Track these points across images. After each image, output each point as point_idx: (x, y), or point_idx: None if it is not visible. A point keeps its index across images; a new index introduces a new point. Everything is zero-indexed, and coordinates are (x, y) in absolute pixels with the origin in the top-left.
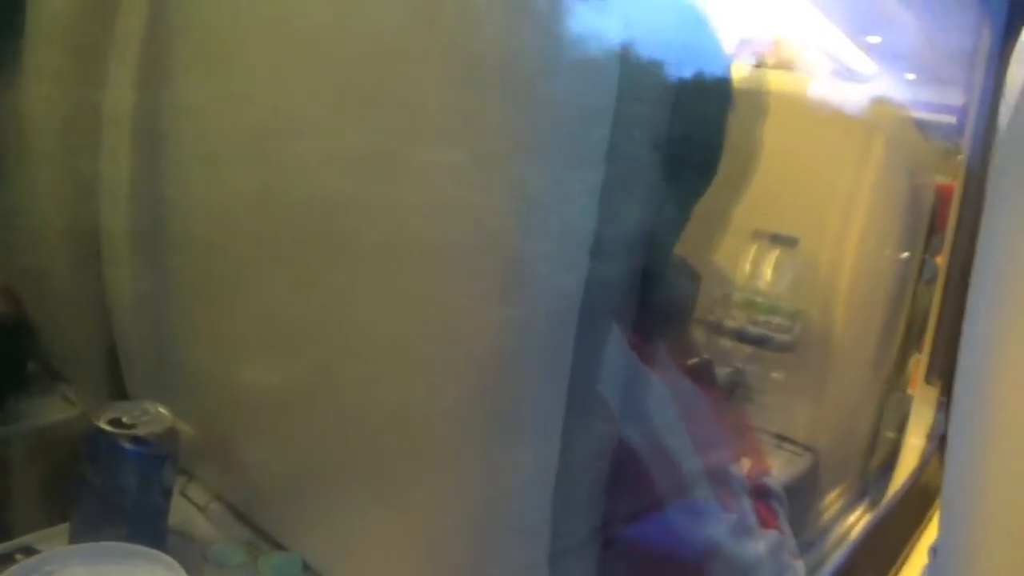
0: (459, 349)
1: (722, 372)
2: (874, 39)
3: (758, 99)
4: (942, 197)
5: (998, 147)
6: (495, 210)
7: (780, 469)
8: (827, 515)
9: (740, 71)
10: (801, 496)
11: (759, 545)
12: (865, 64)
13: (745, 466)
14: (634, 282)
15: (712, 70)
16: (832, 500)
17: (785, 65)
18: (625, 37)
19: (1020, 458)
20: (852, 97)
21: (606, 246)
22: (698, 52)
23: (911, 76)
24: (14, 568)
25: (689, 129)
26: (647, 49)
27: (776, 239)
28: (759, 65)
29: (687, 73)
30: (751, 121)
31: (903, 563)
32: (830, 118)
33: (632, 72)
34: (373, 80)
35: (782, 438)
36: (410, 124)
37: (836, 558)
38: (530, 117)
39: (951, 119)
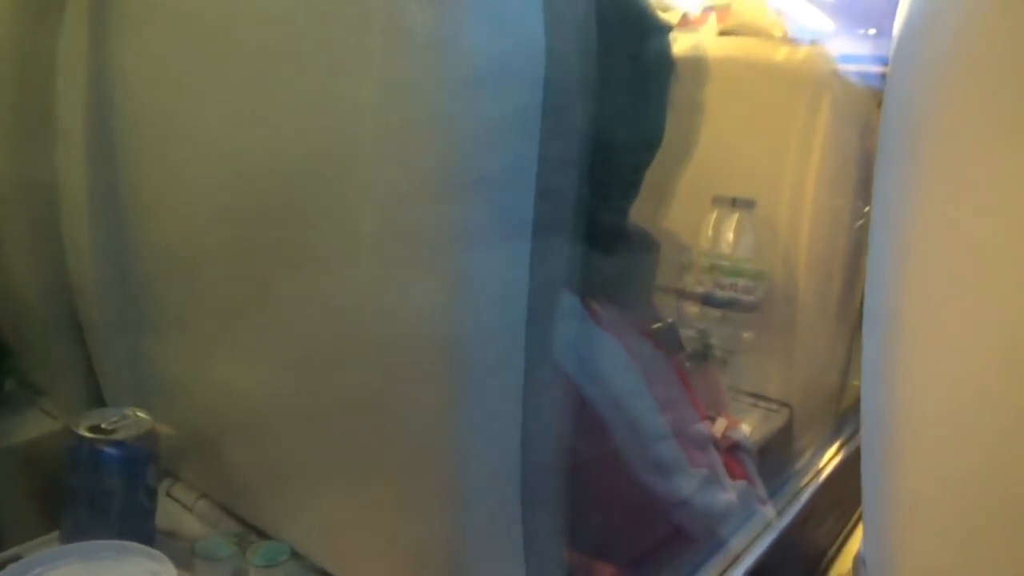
0: (411, 333)
1: (690, 334)
2: None
3: (703, 65)
4: None
5: (885, 93)
6: (432, 195)
7: (757, 426)
8: (802, 462)
9: (688, 39)
10: (780, 449)
11: (728, 495)
12: (823, 22)
13: (720, 427)
14: (586, 252)
15: (648, 40)
16: (807, 447)
17: (740, 30)
18: (549, 11)
19: (928, 392)
20: (801, 58)
21: (550, 219)
22: (632, 22)
23: (872, 31)
24: (4, 571)
25: (628, 99)
26: (574, 23)
27: (735, 203)
28: (722, 32)
29: (621, 44)
30: (697, 87)
31: None
32: (778, 81)
33: (560, 44)
34: (317, 66)
35: (757, 396)
36: (347, 111)
37: (807, 494)
38: (454, 98)
39: None
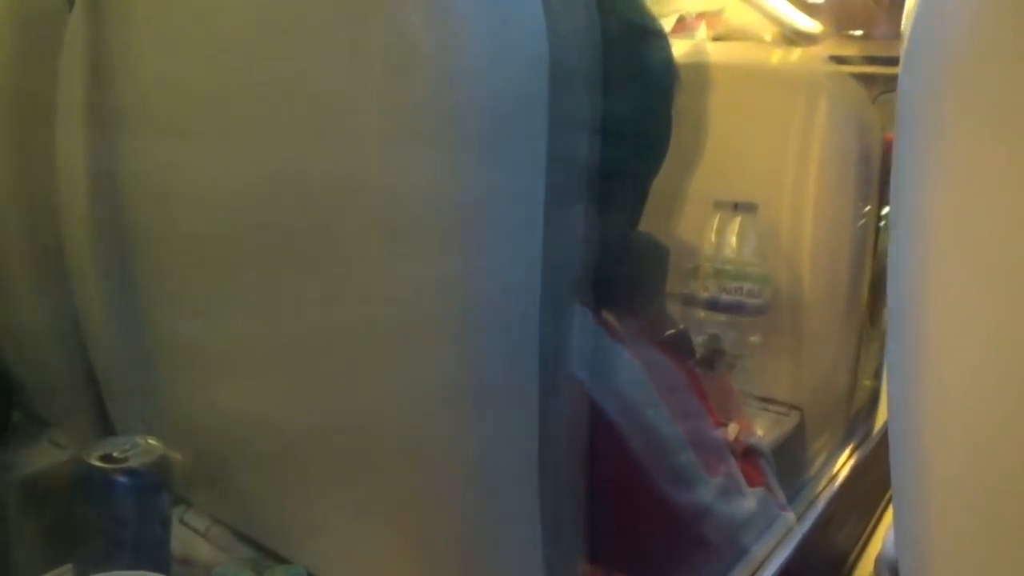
0: (422, 348)
1: (699, 340)
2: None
3: (704, 71)
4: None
5: (899, 87)
6: (439, 209)
7: (769, 430)
8: (816, 465)
9: (683, 45)
10: (792, 452)
11: (748, 503)
12: (810, 25)
13: (733, 431)
14: (597, 263)
15: (651, 48)
16: (820, 450)
17: (732, 35)
18: (551, 25)
19: (954, 391)
20: (795, 61)
21: (559, 231)
22: (635, 32)
23: (858, 32)
24: None
25: (633, 109)
26: (578, 35)
27: (737, 207)
28: (714, 38)
29: (625, 54)
30: (700, 94)
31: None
32: (774, 84)
33: (564, 56)
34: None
35: (767, 400)
36: (353, 121)
37: (825, 497)
38: (458, 113)
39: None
